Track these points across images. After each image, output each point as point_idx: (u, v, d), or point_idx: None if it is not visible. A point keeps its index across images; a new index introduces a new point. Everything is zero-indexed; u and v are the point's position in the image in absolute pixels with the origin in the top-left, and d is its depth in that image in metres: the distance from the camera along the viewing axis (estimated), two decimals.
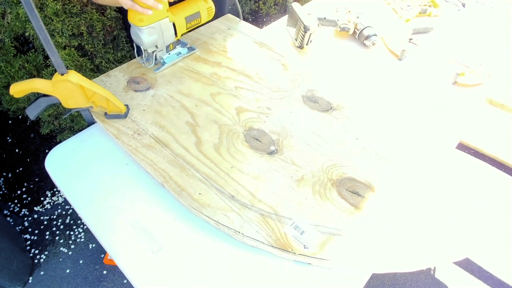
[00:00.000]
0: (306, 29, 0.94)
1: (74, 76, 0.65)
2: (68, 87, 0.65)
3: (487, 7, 1.28)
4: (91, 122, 0.76)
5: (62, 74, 0.63)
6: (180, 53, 0.92)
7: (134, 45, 0.84)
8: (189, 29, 0.89)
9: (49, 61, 1.23)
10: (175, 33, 0.85)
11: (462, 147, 0.80)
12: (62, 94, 0.66)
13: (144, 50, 0.84)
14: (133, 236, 0.59)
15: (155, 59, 0.86)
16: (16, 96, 0.64)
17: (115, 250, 0.58)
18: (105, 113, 0.74)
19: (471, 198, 0.68)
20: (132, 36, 0.80)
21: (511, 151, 0.80)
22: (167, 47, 0.87)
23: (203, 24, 0.96)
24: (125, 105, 0.75)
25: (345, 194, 0.66)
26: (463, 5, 1.26)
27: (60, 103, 0.68)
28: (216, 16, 1.04)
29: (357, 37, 1.05)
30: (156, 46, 0.83)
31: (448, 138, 0.80)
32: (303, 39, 0.97)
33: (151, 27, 0.77)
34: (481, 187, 0.71)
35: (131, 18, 0.75)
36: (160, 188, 0.66)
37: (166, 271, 0.55)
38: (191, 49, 0.94)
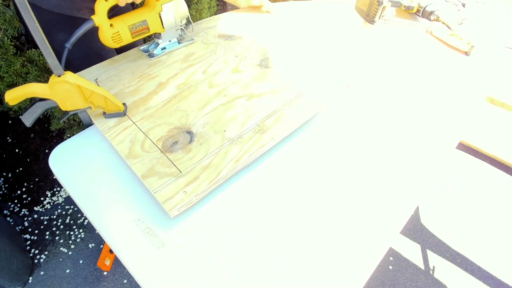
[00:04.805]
0: (380, 2, 1.01)
1: (71, 77, 0.64)
2: (65, 89, 0.64)
3: (487, 7, 1.28)
4: (89, 124, 0.76)
5: (59, 76, 0.63)
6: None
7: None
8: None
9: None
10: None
11: (463, 147, 0.81)
12: (60, 97, 0.66)
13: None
14: (136, 232, 0.59)
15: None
16: (11, 103, 0.62)
17: (118, 246, 0.58)
18: (104, 113, 0.73)
19: (471, 198, 0.68)
20: None
21: (511, 151, 0.80)
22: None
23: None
24: (122, 103, 0.74)
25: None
26: (463, 5, 1.26)
27: (57, 107, 0.67)
28: None
29: (420, 14, 1.16)
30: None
31: (448, 138, 0.80)
32: (376, 13, 1.05)
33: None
34: (481, 187, 0.70)
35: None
36: None
37: (170, 267, 0.55)
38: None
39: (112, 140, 0.69)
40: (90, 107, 0.70)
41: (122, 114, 0.74)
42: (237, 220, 0.62)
